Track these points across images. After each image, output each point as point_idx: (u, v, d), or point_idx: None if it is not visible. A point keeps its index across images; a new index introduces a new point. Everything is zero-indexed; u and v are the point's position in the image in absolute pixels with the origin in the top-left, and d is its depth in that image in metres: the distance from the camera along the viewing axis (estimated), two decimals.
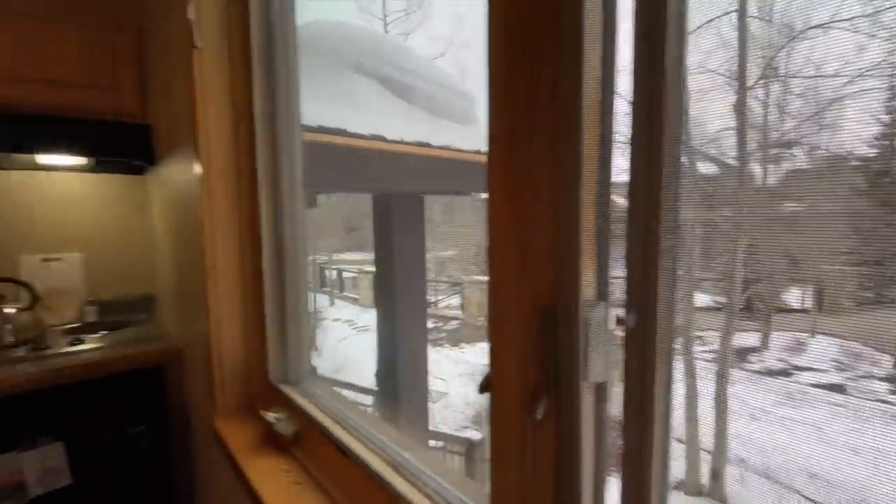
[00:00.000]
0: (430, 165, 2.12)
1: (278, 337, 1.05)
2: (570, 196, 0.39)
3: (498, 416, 0.44)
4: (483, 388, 0.45)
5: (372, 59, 2.06)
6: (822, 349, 0.66)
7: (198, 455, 1.37)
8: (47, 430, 1.22)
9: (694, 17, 0.38)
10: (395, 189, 2.26)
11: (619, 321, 0.40)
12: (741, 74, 0.53)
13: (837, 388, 0.64)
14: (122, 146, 1.49)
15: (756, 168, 0.59)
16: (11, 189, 1.63)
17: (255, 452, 0.88)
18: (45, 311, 1.59)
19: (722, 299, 0.70)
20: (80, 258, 1.74)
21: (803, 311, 0.67)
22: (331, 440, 0.82)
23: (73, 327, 1.62)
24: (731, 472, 0.80)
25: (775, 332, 0.75)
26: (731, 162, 0.59)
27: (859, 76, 0.40)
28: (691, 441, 0.82)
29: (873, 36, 0.38)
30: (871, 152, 0.43)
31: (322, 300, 5.13)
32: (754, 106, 0.56)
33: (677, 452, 0.81)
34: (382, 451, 0.77)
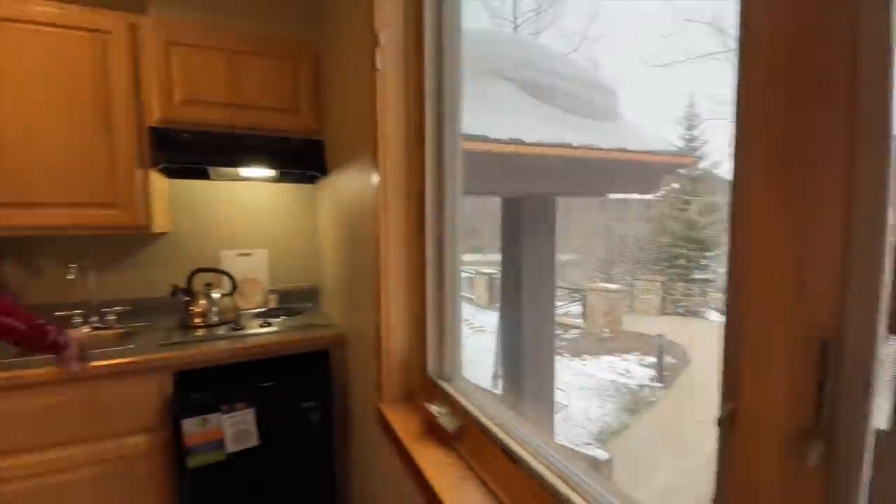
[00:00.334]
0: (567, 166, 2.04)
1: (437, 334, 1.09)
2: (868, 209, 0.31)
3: (746, 457, 0.38)
4: (723, 421, 0.39)
5: (510, 63, 2.05)
6: None
7: (356, 431, 1.50)
8: (242, 397, 1.44)
9: None
10: (528, 191, 2.22)
11: None
12: None
13: None
14: (302, 160, 1.70)
15: None
16: (217, 197, 1.97)
17: (421, 441, 0.91)
18: (240, 297, 1.89)
19: None
20: (265, 254, 2.04)
21: None
22: (494, 441, 0.81)
23: (259, 312, 1.90)
24: None
25: None
26: None
27: None
28: None
29: None
30: None
31: None
32: None
33: None
34: (544, 458, 0.74)
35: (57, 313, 1.69)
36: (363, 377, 1.34)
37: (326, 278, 1.96)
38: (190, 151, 1.55)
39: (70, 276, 1.58)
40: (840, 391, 0.34)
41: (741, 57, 0.39)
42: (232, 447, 1.42)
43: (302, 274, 2.13)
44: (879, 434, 0.37)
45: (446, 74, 1.02)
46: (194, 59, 1.56)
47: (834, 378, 0.34)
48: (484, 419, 0.86)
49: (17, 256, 1.69)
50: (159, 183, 1.68)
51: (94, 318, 1.69)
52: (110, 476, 1.33)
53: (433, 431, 0.95)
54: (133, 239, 1.83)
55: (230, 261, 1.97)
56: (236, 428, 1.43)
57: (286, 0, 1.72)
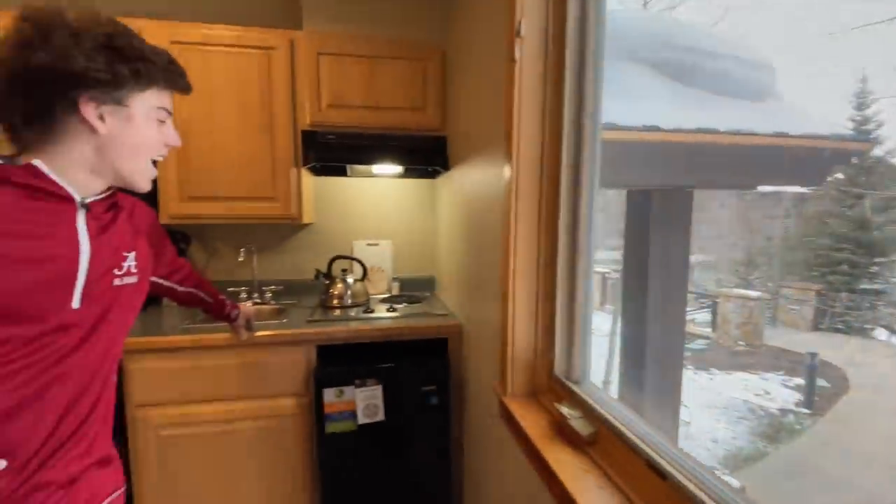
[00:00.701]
0: (711, 154, 1.80)
1: (566, 334, 1.03)
2: None
3: None
4: None
5: (644, 44, 1.86)
6: None
7: (472, 419, 1.51)
8: (373, 374, 1.54)
9: None
10: (661, 182, 2.00)
11: None
12: None
13: None
14: (427, 156, 1.75)
15: None
16: (351, 192, 2.13)
17: (551, 441, 0.88)
18: (369, 283, 2.03)
19: None
20: (389, 244, 2.17)
21: None
22: (637, 452, 0.74)
23: (384, 298, 2.02)
24: None
25: None
26: None
27: None
28: None
29: None
30: None
31: None
32: None
33: None
34: (697, 478, 0.65)
35: (229, 289, 1.99)
36: (482, 368, 1.34)
37: (443, 269, 2.00)
38: (333, 151, 1.70)
39: (240, 259, 1.85)
40: None
41: None
42: (362, 419, 1.53)
43: (420, 264, 2.21)
44: None
45: (588, 63, 0.96)
46: (339, 66, 1.70)
47: None
48: (623, 428, 0.79)
49: (201, 241, 2.02)
50: (306, 179, 1.87)
51: (256, 295, 1.96)
52: (266, 430, 1.53)
53: (562, 433, 0.91)
54: (285, 228, 2.07)
55: (360, 250, 2.13)
56: (367, 402, 1.54)
57: (418, 6, 1.77)
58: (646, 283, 2.33)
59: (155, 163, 0.77)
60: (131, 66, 0.66)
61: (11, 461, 0.63)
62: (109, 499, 0.77)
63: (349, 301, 1.85)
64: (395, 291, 2.11)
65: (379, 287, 2.11)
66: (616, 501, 0.72)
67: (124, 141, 0.68)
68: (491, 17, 1.19)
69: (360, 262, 1.93)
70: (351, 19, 1.73)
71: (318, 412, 1.51)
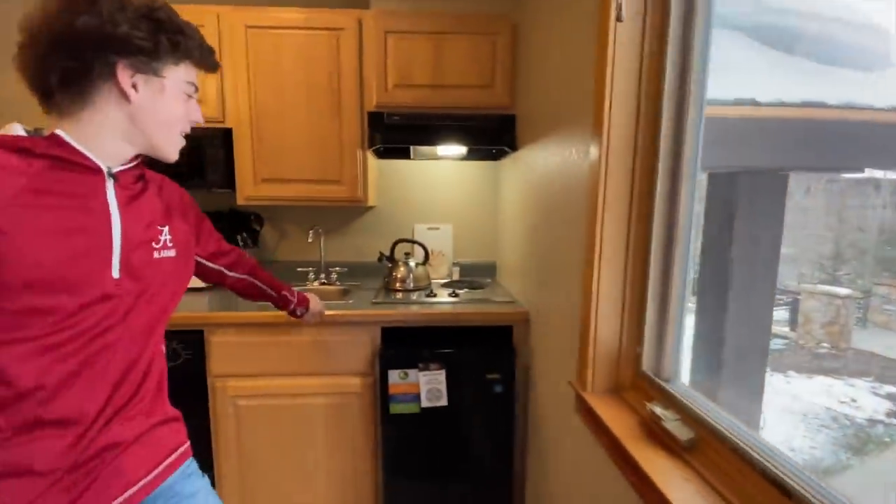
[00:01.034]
0: (815, 132, 1.57)
1: (657, 327, 0.93)
2: None
3: None
4: None
5: (739, 9, 1.65)
6: None
7: (539, 412, 1.44)
8: (436, 359, 1.51)
9: None
10: (750, 164, 1.79)
11: None
12: None
13: None
14: (494, 136, 1.67)
15: None
16: (413, 175, 2.10)
17: (642, 444, 0.79)
18: (430, 267, 1.99)
19: None
20: (450, 229, 2.12)
21: None
22: (753, 466, 0.64)
23: (445, 282, 1.98)
24: None
25: None
26: None
27: None
28: None
29: None
30: None
31: None
32: None
33: None
34: (827, 498, 0.54)
35: (298, 269, 2.04)
36: (553, 360, 1.26)
37: (506, 255, 1.93)
38: (399, 132, 1.66)
39: (309, 240, 1.88)
40: None
41: None
42: (425, 403, 1.52)
43: (481, 249, 2.15)
44: None
45: (694, 26, 0.83)
46: (406, 44, 1.64)
47: None
48: (732, 436, 0.69)
49: (272, 222, 2.08)
50: (370, 163, 1.85)
51: (322, 275, 1.99)
52: (333, 406, 1.56)
53: (654, 435, 0.82)
54: (350, 211, 2.08)
55: (421, 234, 2.10)
56: (430, 386, 1.52)
57: None
58: (727, 277, 2.13)
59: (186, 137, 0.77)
60: (171, 37, 0.66)
61: (76, 426, 0.65)
62: (174, 455, 0.79)
63: (411, 285, 1.83)
64: (455, 276, 2.07)
65: (439, 272, 2.07)
66: None
67: (153, 112, 0.68)
68: None
69: (422, 245, 1.90)
70: None
71: (382, 392, 1.50)
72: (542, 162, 1.37)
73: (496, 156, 1.94)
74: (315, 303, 1.33)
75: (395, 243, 1.88)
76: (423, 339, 1.55)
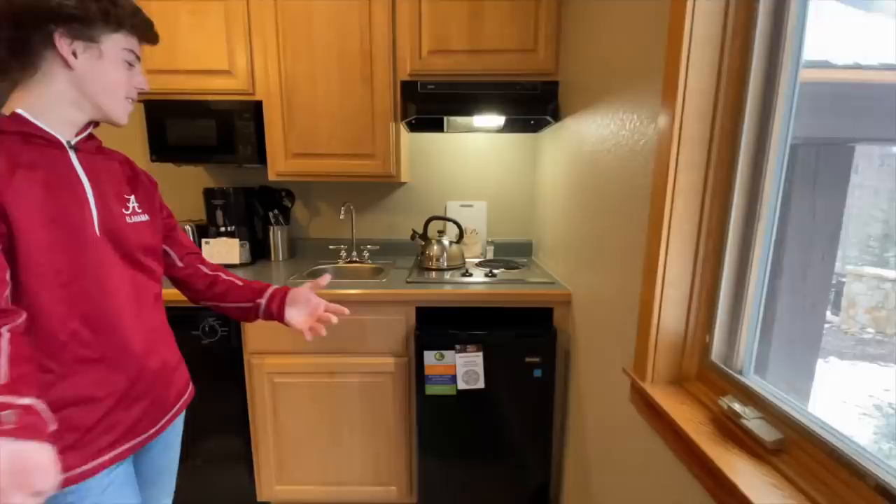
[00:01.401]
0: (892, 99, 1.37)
1: (731, 312, 0.83)
2: None
3: None
4: None
5: None
6: None
7: (583, 399, 1.37)
8: (474, 340, 1.44)
9: None
10: (813, 135, 1.60)
11: None
12: None
13: None
14: (535, 104, 1.54)
15: None
16: (446, 150, 2.00)
17: (716, 444, 0.70)
18: (464, 246, 1.91)
19: None
20: (484, 206, 2.02)
21: None
22: (865, 477, 0.55)
23: (479, 262, 1.90)
24: None
25: None
26: None
27: None
28: None
29: None
30: None
31: None
32: None
33: None
34: None
35: (330, 247, 2.00)
36: (601, 344, 1.17)
37: (544, 233, 1.82)
38: (433, 102, 1.56)
39: (341, 217, 1.82)
40: None
41: None
42: (462, 385, 1.46)
43: (517, 227, 2.05)
44: None
45: None
46: (441, 7, 1.52)
47: None
48: (835, 441, 0.60)
49: (303, 199, 2.03)
50: (403, 137, 1.76)
51: (354, 253, 1.94)
52: (367, 385, 1.52)
53: (731, 434, 0.73)
54: (382, 187, 2.01)
55: (455, 211, 2.01)
56: (467, 368, 1.46)
57: None
58: (780, 253, 1.96)
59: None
60: (100, 5, 0.71)
61: (122, 357, 0.78)
62: (189, 389, 0.98)
63: (445, 263, 1.76)
64: (489, 256, 1.98)
65: (473, 250, 1.99)
66: None
67: (96, 78, 0.73)
68: None
69: (456, 223, 1.81)
70: None
71: (418, 373, 1.46)
72: (591, 132, 1.25)
73: (535, 127, 1.81)
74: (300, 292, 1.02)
75: (428, 221, 1.81)
76: (457, 319, 1.49)
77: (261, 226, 1.96)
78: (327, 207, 2.03)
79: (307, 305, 1.01)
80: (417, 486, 1.55)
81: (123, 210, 0.81)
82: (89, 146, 0.78)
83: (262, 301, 0.99)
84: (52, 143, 0.72)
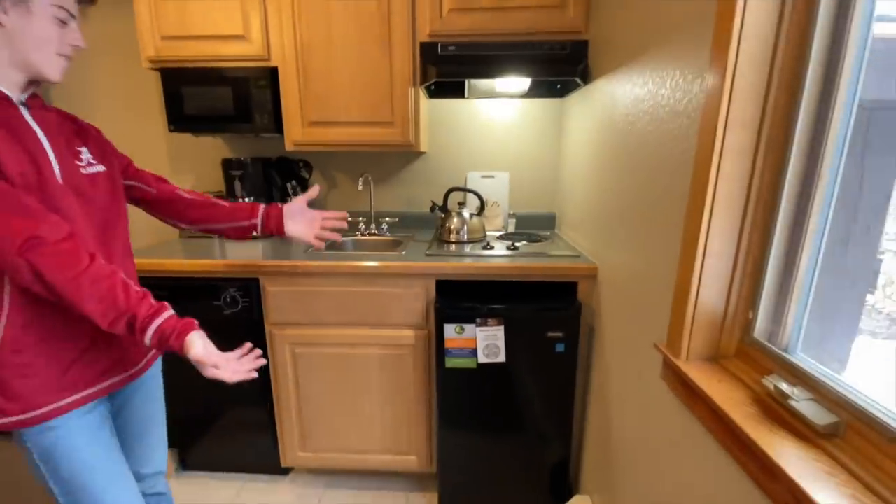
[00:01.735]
0: None
1: (779, 285, 0.76)
2: None
3: None
4: None
5: None
6: None
7: (608, 375, 1.32)
8: (494, 314, 1.41)
9: None
10: (861, 96, 1.45)
11: None
12: None
13: None
14: (561, 65, 1.44)
15: None
16: (467, 117, 1.91)
17: (762, 427, 0.65)
18: (485, 219, 1.85)
19: None
20: (506, 177, 1.94)
21: None
22: None
23: (501, 235, 1.85)
24: None
25: None
26: None
27: None
28: None
29: None
30: None
31: None
32: None
33: None
34: None
35: (348, 219, 1.96)
36: (630, 319, 1.12)
37: (569, 205, 1.74)
38: (454, 65, 1.47)
39: (359, 188, 1.78)
40: None
41: None
42: (482, 359, 1.44)
43: (539, 199, 1.97)
44: None
45: None
46: None
47: None
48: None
49: (321, 170, 2.00)
50: (422, 104, 1.68)
51: (373, 226, 1.91)
52: (388, 357, 1.52)
53: (775, 416, 0.68)
54: (400, 157, 1.95)
55: (475, 182, 1.94)
56: (487, 342, 1.43)
57: None
58: (824, 226, 1.84)
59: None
60: None
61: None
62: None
63: (465, 236, 1.71)
64: (511, 229, 1.92)
65: (494, 223, 1.93)
66: None
67: (26, 34, 0.74)
68: None
69: (477, 195, 1.75)
70: None
71: (438, 346, 1.44)
72: (625, 93, 1.15)
73: (561, 91, 1.71)
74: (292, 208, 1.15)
75: (448, 192, 1.75)
76: (478, 293, 1.45)
77: (279, 197, 1.94)
78: (345, 179, 1.99)
79: (304, 216, 1.14)
80: (437, 456, 1.56)
81: (77, 162, 0.83)
82: (36, 104, 0.81)
83: (258, 220, 1.10)
84: (4, 100, 0.75)
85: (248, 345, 0.92)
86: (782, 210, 0.73)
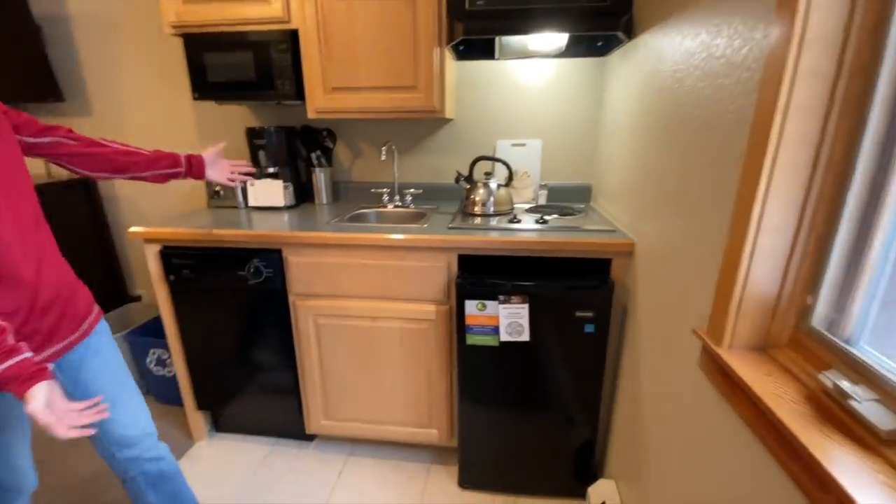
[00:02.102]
0: None
1: (846, 267, 0.66)
2: None
3: None
4: None
5: None
6: None
7: (642, 361, 1.25)
8: (518, 291, 1.35)
9: None
10: None
11: None
12: None
13: None
14: (604, 18, 1.30)
15: None
16: (497, 81, 1.80)
17: (812, 427, 0.58)
18: (513, 190, 1.77)
19: None
20: (538, 145, 1.84)
21: None
22: None
23: (531, 207, 1.76)
24: None
25: None
26: None
27: None
28: None
29: None
30: None
31: None
32: None
33: None
34: None
35: (372, 190, 1.94)
36: (668, 300, 1.03)
37: (607, 175, 1.63)
38: (483, 20, 1.36)
39: (382, 158, 1.73)
40: None
41: None
42: (505, 337, 1.39)
43: (574, 170, 1.86)
44: None
45: None
46: None
47: None
48: None
49: (345, 140, 1.96)
50: (448, 66, 1.59)
51: (397, 198, 1.87)
52: (409, 331, 1.50)
53: (828, 415, 0.60)
54: (425, 125, 1.88)
55: (505, 151, 1.85)
56: (510, 319, 1.38)
57: None
58: (878, 198, 1.64)
59: None
60: None
61: (19, 278, 0.84)
62: (96, 309, 1.05)
63: (492, 209, 1.64)
64: (542, 201, 1.83)
65: (524, 195, 1.84)
66: None
67: None
68: None
69: (505, 164, 1.67)
70: None
71: (459, 322, 1.41)
72: (674, 46, 1.03)
73: (602, 49, 1.57)
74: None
75: (475, 161, 1.67)
76: (504, 268, 1.40)
77: (304, 168, 1.93)
78: (369, 148, 1.95)
79: (219, 164, 1.34)
80: (458, 431, 1.55)
81: None
82: None
83: (182, 169, 1.24)
84: None
85: (99, 398, 0.90)
86: (857, 180, 0.62)
